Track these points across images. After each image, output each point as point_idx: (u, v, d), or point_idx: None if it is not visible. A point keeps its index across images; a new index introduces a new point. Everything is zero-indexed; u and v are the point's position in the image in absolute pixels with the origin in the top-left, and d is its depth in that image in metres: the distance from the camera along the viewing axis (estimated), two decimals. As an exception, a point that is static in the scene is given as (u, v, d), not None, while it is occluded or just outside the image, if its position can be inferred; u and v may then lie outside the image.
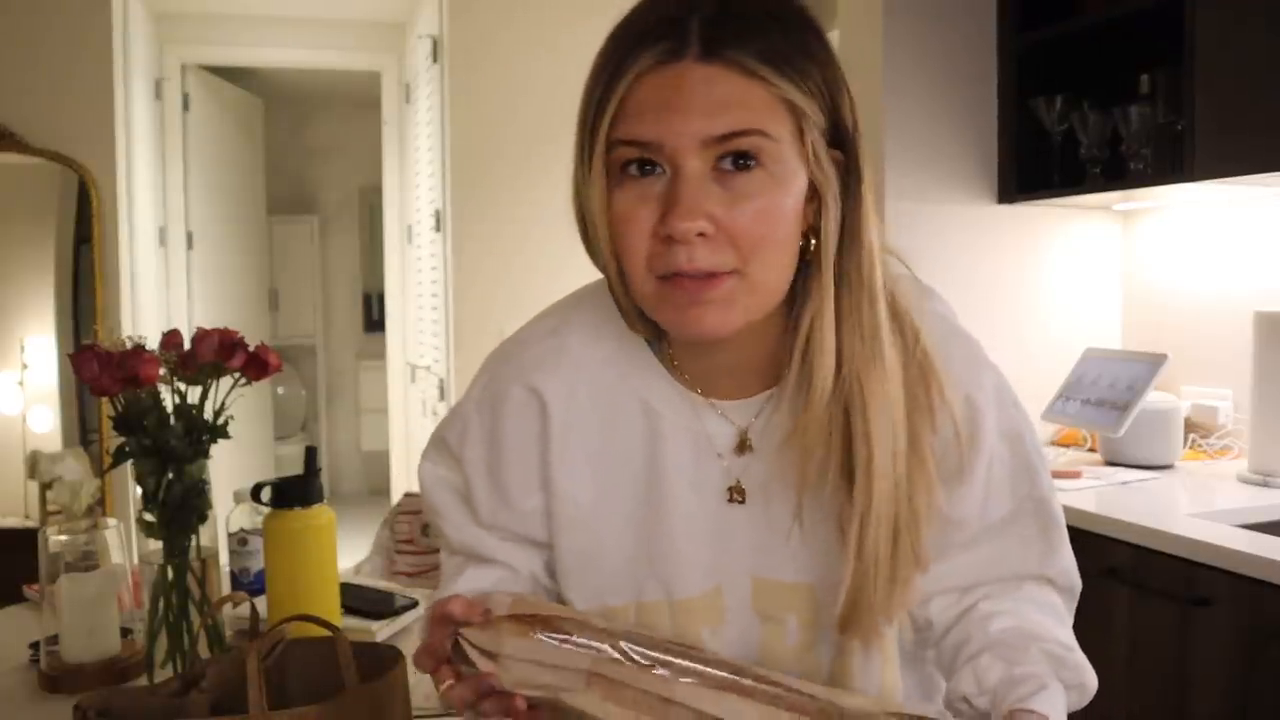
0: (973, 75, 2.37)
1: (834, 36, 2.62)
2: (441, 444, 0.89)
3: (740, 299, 0.71)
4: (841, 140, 0.72)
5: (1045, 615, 0.82)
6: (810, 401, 0.73)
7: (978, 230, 2.40)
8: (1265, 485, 1.91)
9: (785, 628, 0.81)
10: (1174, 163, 2.00)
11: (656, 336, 0.81)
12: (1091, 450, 2.25)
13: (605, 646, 0.73)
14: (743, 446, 0.80)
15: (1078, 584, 0.87)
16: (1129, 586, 1.68)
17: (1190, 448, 2.21)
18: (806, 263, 0.74)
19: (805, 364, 0.74)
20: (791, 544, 0.79)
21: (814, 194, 0.72)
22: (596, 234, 0.73)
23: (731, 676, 0.73)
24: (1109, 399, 2.13)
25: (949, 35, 2.35)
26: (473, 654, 0.73)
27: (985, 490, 0.81)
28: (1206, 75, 1.85)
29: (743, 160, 0.69)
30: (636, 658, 0.73)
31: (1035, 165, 2.33)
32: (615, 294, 0.76)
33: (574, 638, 0.74)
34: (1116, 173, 2.17)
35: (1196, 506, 1.84)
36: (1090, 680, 0.80)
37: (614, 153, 0.70)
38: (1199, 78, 1.86)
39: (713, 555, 0.81)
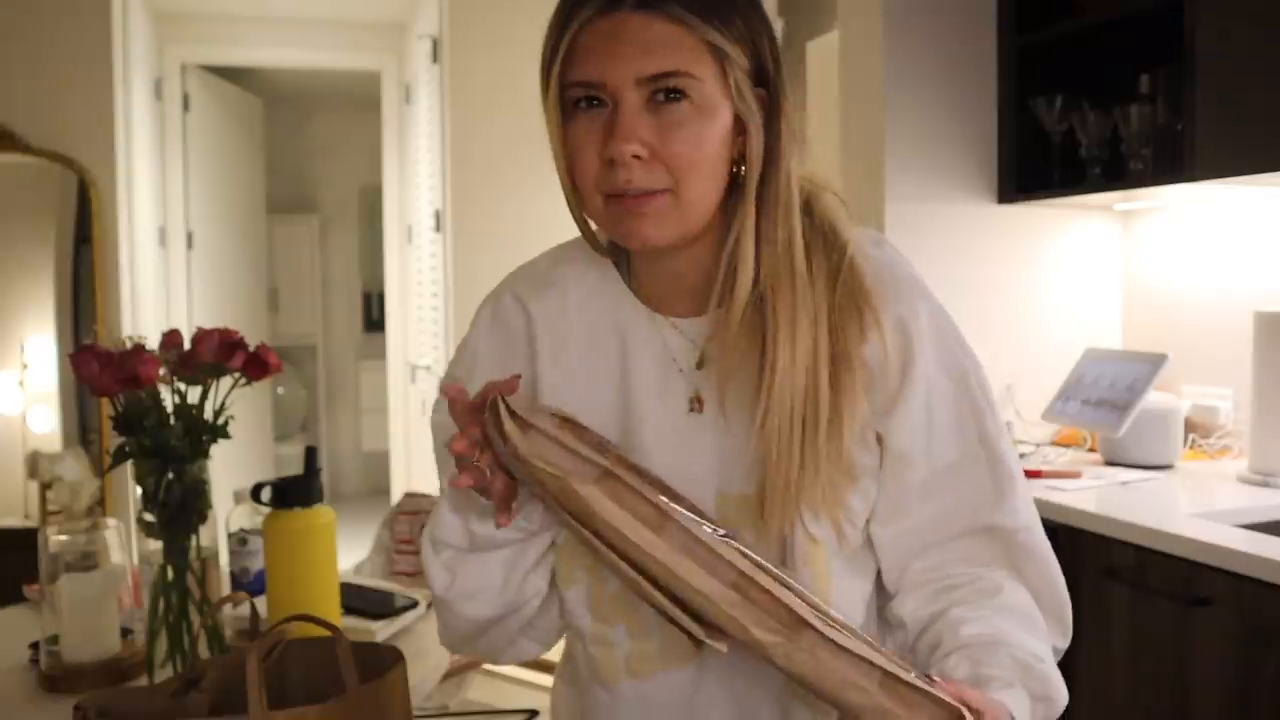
0: (972, 75, 2.37)
1: (834, 37, 2.62)
2: (450, 379, 0.93)
3: (673, 214, 0.80)
4: (765, 79, 0.82)
5: (1019, 626, 0.82)
6: (730, 309, 0.82)
7: (978, 230, 2.40)
8: (1265, 485, 1.91)
9: (743, 543, 0.83)
10: (1174, 163, 2.00)
11: (617, 260, 0.91)
12: (1091, 450, 2.25)
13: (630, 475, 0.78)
14: (700, 360, 0.87)
15: (1042, 551, 0.86)
16: (1129, 586, 1.68)
17: (1190, 448, 2.21)
18: (739, 189, 0.83)
19: (729, 277, 0.83)
20: (740, 453, 0.83)
21: (742, 128, 0.81)
22: (557, 164, 0.83)
23: (739, 554, 0.76)
24: (1109, 399, 2.13)
25: (949, 35, 2.35)
26: (506, 418, 0.78)
27: (928, 421, 0.84)
28: (1206, 75, 1.85)
29: (672, 95, 0.78)
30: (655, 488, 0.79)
31: (1035, 165, 2.33)
32: (573, 214, 0.86)
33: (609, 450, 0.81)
34: (1116, 173, 2.17)
35: (1196, 506, 1.84)
36: (1058, 694, 0.80)
37: (566, 92, 0.80)
38: (1199, 78, 1.86)
39: (681, 467, 0.85)
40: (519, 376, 0.81)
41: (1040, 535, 0.87)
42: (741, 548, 0.77)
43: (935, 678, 0.73)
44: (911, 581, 0.86)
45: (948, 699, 0.70)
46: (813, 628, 0.72)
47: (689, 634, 0.75)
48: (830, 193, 0.87)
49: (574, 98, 0.80)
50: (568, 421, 0.82)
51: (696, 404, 0.86)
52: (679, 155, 0.78)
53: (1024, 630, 0.82)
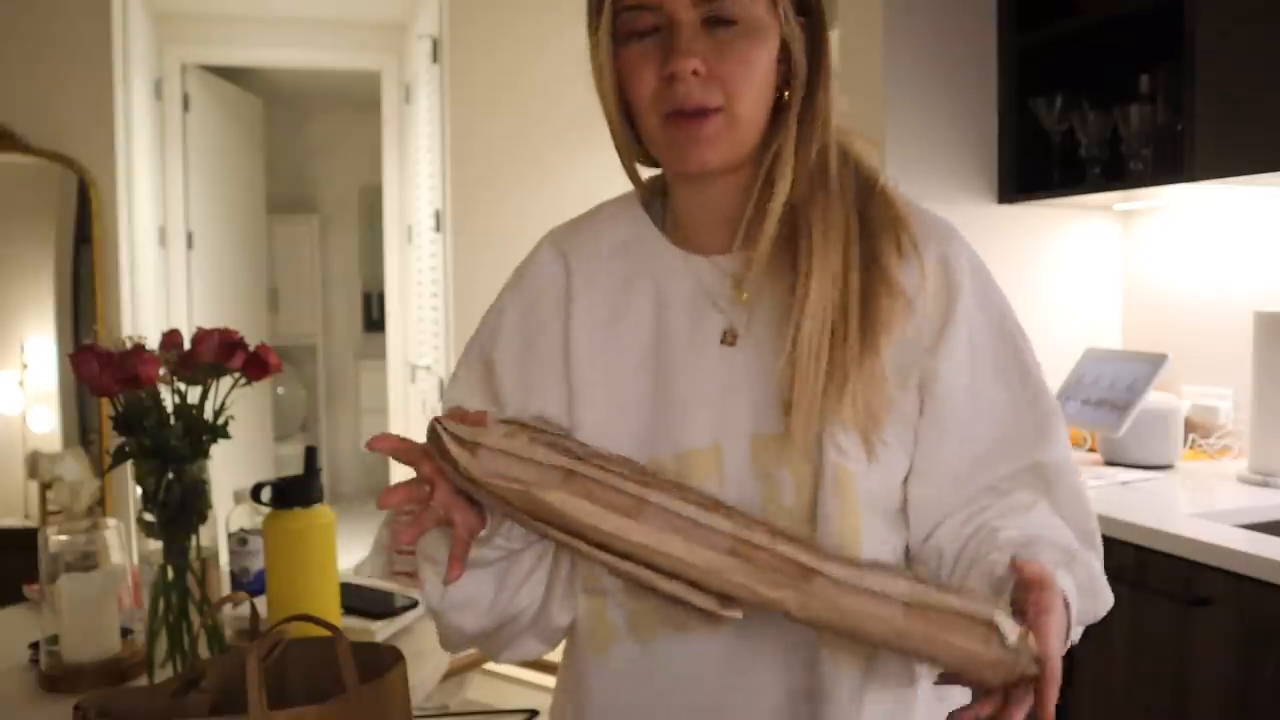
0: (972, 75, 2.37)
1: (834, 36, 2.62)
2: (471, 350, 0.95)
3: (726, 134, 0.83)
4: (808, 9, 0.86)
5: (1055, 529, 0.82)
6: (766, 223, 0.84)
7: (978, 230, 2.38)
8: (1265, 485, 1.91)
9: (782, 486, 0.83)
10: (1174, 163, 2.00)
11: (653, 197, 0.94)
12: (1091, 450, 2.25)
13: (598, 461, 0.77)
14: (736, 294, 0.87)
15: (1078, 482, 0.86)
16: (1129, 586, 1.68)
17: (1190, 448, 2.21)
18: (779, 115, 0.86)
19: (765, 195, 0.85)
20: (778, 389, 0.83)
21: (784, 55, 0.85)
22: (603, 95, 0.86)
23: (725, 516, 0.75)
24: (1109, 399, 2.13)
25: (949, 35, 2.35)
26: (450, 443, 0.75)
27: (971, 359, 0.85)
28: (1206, 75, 1.85)
29: (726, 18, 0.82)
30: (624, 472, 0.77)
31: (1035, 165, 2.33)
32: (617, 143, 0.89)
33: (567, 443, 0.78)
34: (1116, 173, 2.17)
35: (1196, 506, 1.84)
36: (1104, 590, 0.82)
37: (620, 18, 0.83)
38: (1199, 77, 1.86)
39: (716, 407, 0.85)
40: (459, 408, 0.82)
41: (1075, 467, 0.87)
42: (732, 508, 0.76)
43: (968, 590, 0.71)
44: (948, 527, 0.85)
45: (976, 610, 0.69)
46: (821, 573, 0.71)
47: (702, 610, 0.74)
48: (861, 138, 0.90)
49: (628, 26, 0.83)
50: (519, 426, 0.80)
51: (730, 336, 0.86)
52: (734, 74, 0.82)
53: (1060, 533, 0.82)
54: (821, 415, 0.81)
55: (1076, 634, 0.79)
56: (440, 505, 0.80)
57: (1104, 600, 0.82)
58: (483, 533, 0.81)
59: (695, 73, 0.81)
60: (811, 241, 0.83)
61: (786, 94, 0.86)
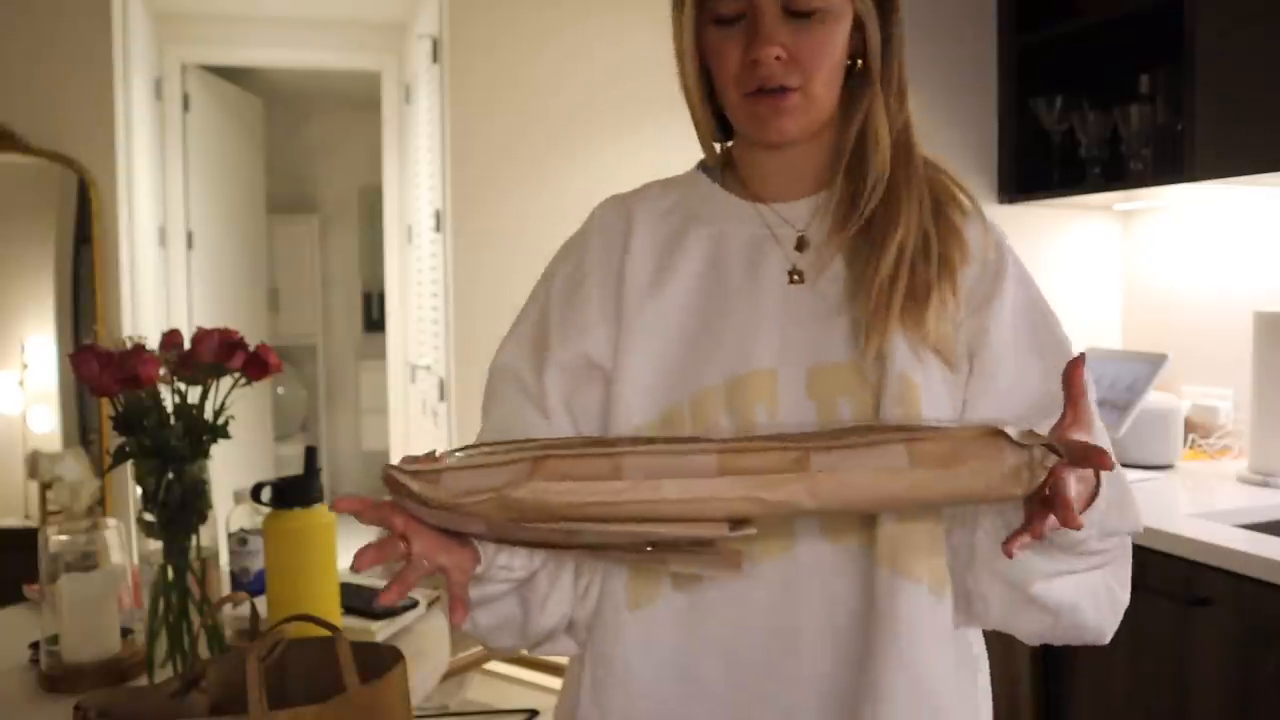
0: (973, 75, 2.37)
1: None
2: (531, 306, 0.97)
3: (802, 109, 0.90)
4: None
5: None
6: (868, 175, 0.91)
7: (978, 230, 2.40)
8: (1265, 485, 1.91)
9: (839, 413, 0.86)
10: (1174, 163, 2.00)
11: (719, 164, 0.99)
12: (1091, 450, 2.25)
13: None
14: (801, 241, 0.93)
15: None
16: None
17: (1190, 448, 2.21)
18: (852, 80, 0.94)
19: (860, 148, 0.93)
20: (836, 322, 0.89)
21: (857, 25, 0.92)
22: (684, 70, 0.93)
23: (700, 442, 0.73)
24: (1109, 399, 2.13)
25: (949, 36, 2.35)
26: (409, 480, 0.72)
27: (1013, 323, 0.90)
28: (1206, 75, 1.86)
29: (804, 9, 0.88)
30: (590, 445, 0.74)
31: (1035, 165, 2.33)
32: (696, 119, 0.96)
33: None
34: (1116, 173, 2.17)
35: (1196, 506, 1.84)
36: (1133, 505, 0.83)
37: (705, 8, 0.90)
38: (1199, 77, 1.86)
39: (773, 337, 0.89)
40: (408, 455, 0.77)
41: (1105, 431, 0.88)
42: (701, 437, 0.76)
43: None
44: None
45: (977, 427, 0.69)
46: (811, 450, 0.70)
47: (714, 542, 0.72)
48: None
49: (713, 11, 0.90)
50: (472, 447, 0.76)
51: (796, 276, 0.92)
52: (811, 58, 0.89)
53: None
54: (893, 334, 0.85)
55: (1101, 540, 0.80)
56: (421, 557, 0.75)
57: (1133, 518, 0.83)
58: (478, 569, 0.78)
59: (778, 58, 0.87)
60: (899, 191, 0.91)
61: (859, 61, 0.93)
